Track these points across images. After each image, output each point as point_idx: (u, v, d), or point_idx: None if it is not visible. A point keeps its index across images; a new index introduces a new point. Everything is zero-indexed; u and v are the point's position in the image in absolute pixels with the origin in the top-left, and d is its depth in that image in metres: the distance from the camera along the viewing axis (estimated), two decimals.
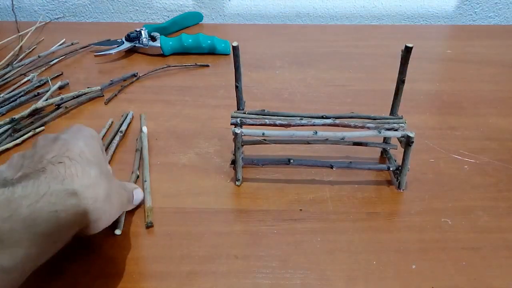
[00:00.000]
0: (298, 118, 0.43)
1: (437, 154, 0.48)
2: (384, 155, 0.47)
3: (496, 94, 0.59)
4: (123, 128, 0.52)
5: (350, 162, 0.44)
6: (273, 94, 0.60)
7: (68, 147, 0.30)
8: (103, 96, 0.60)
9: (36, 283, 0.34)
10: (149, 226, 0.39)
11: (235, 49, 0.40)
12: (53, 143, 0.31)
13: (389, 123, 0.42)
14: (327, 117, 0.43)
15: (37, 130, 0.53)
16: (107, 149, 0.49)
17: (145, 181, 0.44)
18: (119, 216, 0.38)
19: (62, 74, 0.65)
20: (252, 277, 0.35)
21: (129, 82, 0.63)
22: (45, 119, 0.54)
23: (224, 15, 0.92)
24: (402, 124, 0.42)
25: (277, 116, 0.43)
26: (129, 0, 0.91)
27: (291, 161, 0.44)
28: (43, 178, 0.27)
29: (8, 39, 0.75)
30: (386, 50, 0.72)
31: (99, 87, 0.60)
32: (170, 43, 0.70)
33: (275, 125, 0.42)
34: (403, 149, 0.41)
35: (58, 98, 0.56)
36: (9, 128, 0.51)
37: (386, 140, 0.46)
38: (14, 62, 0.66)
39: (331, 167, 0.44)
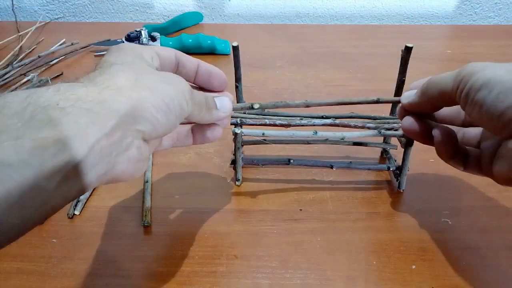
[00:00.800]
0: (298, 118, 0.43)
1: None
2: (384, 155, 0.47)
3: None
4: None
5: (350, 162, 0.44)
6: (273, 94, 0.60)
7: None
8: None
9: (36, 283, 0.34)
10: (146, 226, 0.39)
11: (235, 49, 0.40)
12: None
13: (389, 123, 0.42)
14: (327, 117, 0.43)
15: None
16: None
17: (147, 181, 0.44)
18: None
19: (62, 74, 0.65)
20: (252, 277, 0.35)
21: None
22: None
23: (224, 15, 0.92)
24: None
25: (277, 116, 0.43)
26: (129, 0, 0.91)
27: (291, 161, 0.44)
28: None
29: (8, 39, 0.75)
30: (386, 50, 0.72)
31: None
32: (170, 43, 0.70)
33: (275, 125, 0.42)
34: (403, 149, 0.41)
35: None
36: None
37: (386, 140, 0.46)
38: (14, 62, 0.66)
39: (331, 167, 0.44)
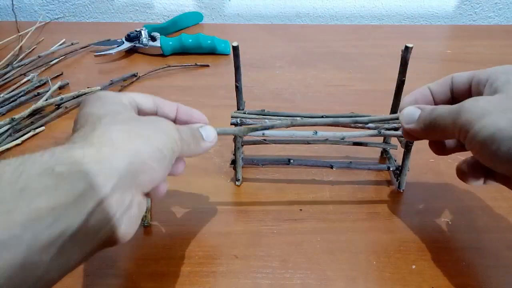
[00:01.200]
0: (298, 118, 0.43)
1: None
2: (384, 155, 0.47)
3: None
4: None
5: (350, 162, 0.44)
6: (273, 94, 0.60)
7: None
8: None
9: None
10: (146, 226, 0.39)
11: (235, 49, 0.40)
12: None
13: (389, 123, 0.42)
14: (327, 117, 0.43)
15: (37, 130, 0.52)
16: None
17: None
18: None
19: (62, 74, 0.65)
20: (252, 277, 0.35)
21: (129, 82, 0.63)
22: (45, 119, 0.54)
23: (224, 15, 0.92)
24: None
25: (277, 116, 0.43)
26: (129, 0, 0.91)
27: (291, 161, 0.44)
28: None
29: (8, 39, 0.75)
30: (386, 50, 0.72)
31: (99, 87, 0.60)
32: (170, 43, 0.70)
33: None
34: (403, 149, 0.41)
35: (58, 98, 0.56)
36: (9, 128, 0.51)
37: (386, 140, 0.46)
38: (14, 62, 0.66)
39: (331, 167, 0.44)
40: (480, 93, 0.31)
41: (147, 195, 0.28)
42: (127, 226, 0.23)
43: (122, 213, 0.22)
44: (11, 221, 0.17)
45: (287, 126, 0.37)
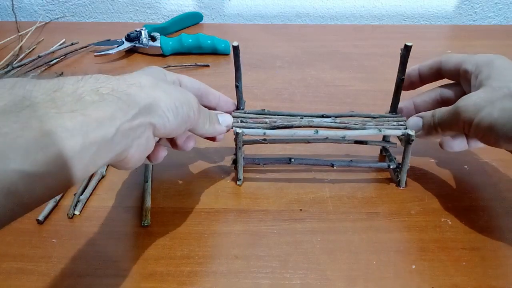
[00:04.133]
0: (299, 117, 0.43)
1: (437, 154, 0.48)
2: (383, 153, 0.47)
3: None
4: None
5: (351, 160, 0.44)
6: (273, 94, 0.60)
7: None
8: None
9: (36, 283, 0.34)
10: (146, 226, 0.39)
11: (235, 49, 0.40)
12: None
13: (388, 121, 0.42)
14: (327, 116, 0.43)
15: None
16: None
17: (147, 181, 0.44)
18: None
19: (62, 74, 0.65)
20: (252, 277, 0.35)
21: None
22: None
23: (224, 15, 0.92)
24: (402, 122, 0.42)
25: (277, 115, 0.43)
26: (129, 0, 0.91)
27: (292, 160, 0.44)
28: None
29: (8, 39, 0.75)
30: (386, 50, 0.72)
31: None
32: (170, 43, 0.70)
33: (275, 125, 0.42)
34: (402, 148, 0.41)
35: None
36: None
37: (385, 138, 0.46)
38: (14, 62, 0.66)
39: (332, 165, 0.44)
40: (467, 80, 0.38)
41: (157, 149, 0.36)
42: (134, 150, 0.29)
43: (134, 137, 0.28)
44: (74, 118, 0.24)
45: (305, 126, 0.42)
